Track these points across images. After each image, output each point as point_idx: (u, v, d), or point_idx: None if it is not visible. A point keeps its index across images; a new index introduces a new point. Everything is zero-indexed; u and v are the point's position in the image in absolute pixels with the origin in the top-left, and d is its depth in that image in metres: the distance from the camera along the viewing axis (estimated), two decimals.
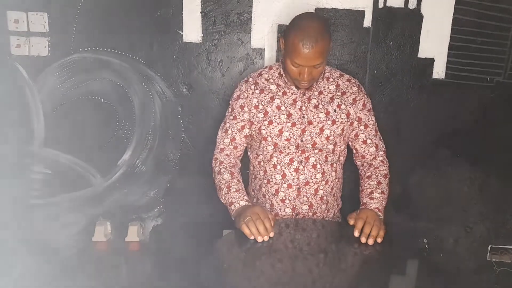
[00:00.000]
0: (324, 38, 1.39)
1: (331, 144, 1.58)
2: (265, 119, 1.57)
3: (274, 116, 1.56)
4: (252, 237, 1.33)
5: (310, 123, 1.56)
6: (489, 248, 2.12)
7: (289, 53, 1.42)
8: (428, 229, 2.10)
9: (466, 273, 2.14)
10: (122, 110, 1.94)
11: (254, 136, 1.62)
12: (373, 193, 1.55)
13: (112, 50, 1.87)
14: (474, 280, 2.14)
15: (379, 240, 1.34)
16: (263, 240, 1.32)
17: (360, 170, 1.69)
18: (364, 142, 1.64)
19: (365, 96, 1.64)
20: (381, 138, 1.69)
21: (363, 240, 1.34)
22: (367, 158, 1.66)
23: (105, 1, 1.82)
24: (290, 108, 1.56)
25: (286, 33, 1.44)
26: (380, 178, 1.60)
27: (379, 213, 1.49)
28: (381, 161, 1.66)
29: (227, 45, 1.89)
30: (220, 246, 1.40)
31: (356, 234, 1.36)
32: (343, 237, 1.47)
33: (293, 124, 1.55)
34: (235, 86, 1.67)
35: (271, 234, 1.34)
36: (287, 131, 1.55)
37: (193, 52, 1.89)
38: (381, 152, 1.67)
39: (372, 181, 1.59)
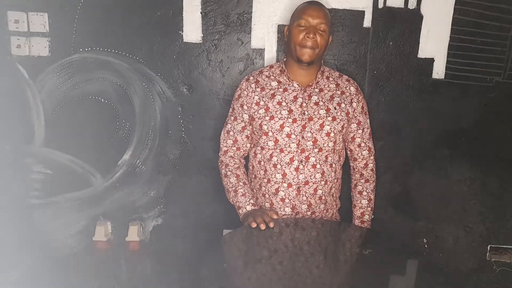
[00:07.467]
0: (327, 10, 1.56)
1: (331, 141, 1.59)
2: (266, 114, 1.58)
3: (275, 112, 1.57)
4: (254, 225, 1.43)
5: (310, 119, 1.57)
6: (488, 248, 2.12)
7: (296, 18, 1.54)
8: (427, 228, 2.10)
9: (465, 273, 2.14)
10: (122, 110, 1.94)
11: (255, 132, 1.62)
12: (364, 214, 1.71)
13: (112, 50, 1.87)
14: (474, 279, 2.15)
15: None
16: (266, 228, 1.42)
17: (351, 174, 1.75)
18: (359, 145, 1.68)
19: (364, 99, 1.67)
20: (371, 138, 1.73)
21: None
22: (358, 162, 1.71)
23: (105, 1, 1.82)
24: (291, 104, 1.57)
25: (292, 14, 1.58)
26: (371, 194, 1.72)
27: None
28: (371, 169, 1.72)
29: (227, 45, 1.89)
30: (220, 246, 1.41)
31: None
32: (342, 237, 1.47)
33: (294, 120, 1.56)
34: (236, 86, 1.67)
35: (271, 225, 1.43)
36: (288, 126, 1.56)
37: (193, 52, 1.89)
38: (372, 157, 1.72)
39: (364, 199, 1.71)
